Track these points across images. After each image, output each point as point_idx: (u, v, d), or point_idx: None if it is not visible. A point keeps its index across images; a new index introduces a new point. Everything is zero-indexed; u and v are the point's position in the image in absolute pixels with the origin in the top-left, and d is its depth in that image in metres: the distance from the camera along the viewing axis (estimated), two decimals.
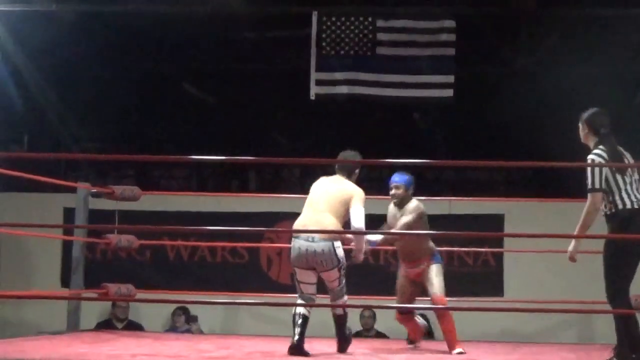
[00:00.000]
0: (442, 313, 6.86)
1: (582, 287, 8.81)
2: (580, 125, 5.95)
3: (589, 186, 5.67)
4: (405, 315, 7.21)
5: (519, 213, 9.99)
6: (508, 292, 10.13)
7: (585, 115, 5.92)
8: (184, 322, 9.98)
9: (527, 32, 10.20)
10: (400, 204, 6.99)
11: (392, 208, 7.09)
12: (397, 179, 7.00)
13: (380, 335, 9.68)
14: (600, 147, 5.78)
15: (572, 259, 5.82)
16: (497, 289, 10.16)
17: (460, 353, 6.79)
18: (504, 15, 10.07)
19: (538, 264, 9.69)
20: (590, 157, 5.76)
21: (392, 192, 7.01)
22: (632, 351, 5.57)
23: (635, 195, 5.69)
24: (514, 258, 10.02)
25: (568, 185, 10.44)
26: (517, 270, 10.14)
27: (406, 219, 6.88)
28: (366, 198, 6.54)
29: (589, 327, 9.82)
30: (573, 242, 5.82)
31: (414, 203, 6.98)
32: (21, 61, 10.64)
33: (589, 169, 5.69)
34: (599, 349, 7.03)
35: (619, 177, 5.69)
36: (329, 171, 6.74)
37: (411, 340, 7.43)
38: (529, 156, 10.89)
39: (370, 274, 9.86)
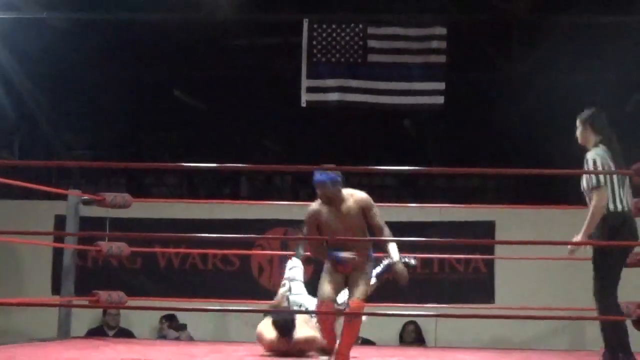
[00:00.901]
0: (353, 320, 6.03)
1: (573, 293, 8.82)
2: (579, 125, 5.84)
3: (594, 184, 5.56)
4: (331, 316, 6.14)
5: (510, 220, 9.98)
6: (499, 299, 10.12)
7: (586, 115, 5.83)
8: (168, 329, 9.96)
9: (519, 39, 10.21)
10: (332, 202, 6.08)
11: (324, 209, 6.11)
12: (318, 176, 6.03)
13: (366, 342, 9.63)
14: (601, 145, 5.71)
15: (573, 252, 5.66)
16: (488, 295, 10.15)
17: None
18: (496, 21, 10.08)
19: (529, 271, 9.68)
20: (590, 155, 5.67)
21: (319, 192, 6.07)
22: (623, 354, 5.57)
23: (627, 200, 5.68)
24: (505, 265, 10.01)
25: (559, 192, 10.49)
26: (508, 277, 10.12)
27: (377, 214, 6.10)
28: None
29: (580, 333, 9.81)
30: (581, 234, 5.61)
31: (360, 194, 6.16)
32: (12, 68, 10.63)
33: (592, 167, 5.60)
34: (589, 356, 7.03)
35: (615, 178, 5.64)
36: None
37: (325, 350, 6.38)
38: (520, 163, 10.94)
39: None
